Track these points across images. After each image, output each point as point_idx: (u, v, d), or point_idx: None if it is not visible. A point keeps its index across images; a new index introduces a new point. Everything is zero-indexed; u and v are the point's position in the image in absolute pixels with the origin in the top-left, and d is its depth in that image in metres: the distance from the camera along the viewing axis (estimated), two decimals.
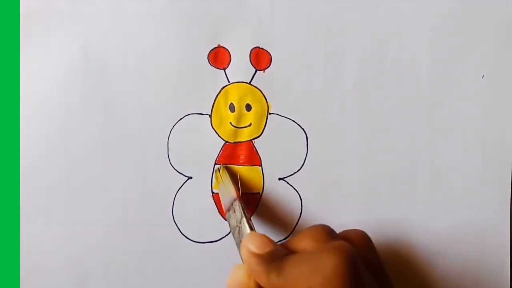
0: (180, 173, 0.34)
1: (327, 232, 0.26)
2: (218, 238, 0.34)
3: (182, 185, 0.34)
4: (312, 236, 0.26)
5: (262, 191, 0.34)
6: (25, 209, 0.34)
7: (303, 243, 0.26)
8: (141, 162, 0.34)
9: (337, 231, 0.28)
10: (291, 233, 0.34)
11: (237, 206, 0.30)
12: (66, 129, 0.33)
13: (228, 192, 0.31)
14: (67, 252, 0.34)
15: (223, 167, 0.33)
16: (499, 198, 0.34)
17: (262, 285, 0.25)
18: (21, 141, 0.33)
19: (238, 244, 0.28)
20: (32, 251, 0.34)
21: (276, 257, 0.25)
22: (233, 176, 0.33)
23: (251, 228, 0.28)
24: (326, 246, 0.24)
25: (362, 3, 0.33)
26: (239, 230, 0.29)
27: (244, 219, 0.29)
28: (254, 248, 0.26)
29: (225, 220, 0.34)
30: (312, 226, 0.27)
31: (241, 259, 0.27)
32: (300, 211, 0.34)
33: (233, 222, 0.30)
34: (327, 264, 0.23)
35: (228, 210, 0.31)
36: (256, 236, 0.26)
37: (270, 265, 0.24)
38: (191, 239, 0.34)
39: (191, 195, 0.34)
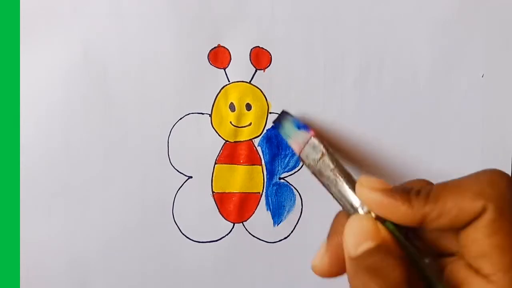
0: (180, 173, 0.34)
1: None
2: (218, 238, 0.34)
3: (182, 184, 0.34)
4: (423, 182, 0.25)
5: (262, 191, 0.34)
6: (25, 209, 0.34)
7: (417, 185, 0.25)
8: (141, 162, 0.34)
9: None
10: (291, 233, 0.34)
11: (316, 144, 0.29)
12: (66, 129, 0.33)
13: (298, 133, 0.31)
14: (67, 252, 0.34)
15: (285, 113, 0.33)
16: None
17: (397, 219, 0.23)
18: (21, 141, 0.33)
19: (327, 179, 0.27)
20: (32, 251, 0.34)
21: (408, 189, 0.23)
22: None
23: (348, 173, 0.27)
24: (481, 170, 0.23)
25: (362, 3, 0.33)
26: (332, 171, 0.27)
27: (334, 164, 0.28)
28: (378, 185, 0.24)
29: (226, 219, 0.34)
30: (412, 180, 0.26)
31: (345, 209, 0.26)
32: (300, 211, 0.34)
33: (312, 157, 0.29)
34: (501, 180, 0.22)
35: (301, 150, 0.30)
36: (373, 177, 0.25)
37: (409, 195, 0.23)
38: (191, 239, 0.34)
39: (191, 195, 0.34)
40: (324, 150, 0.29)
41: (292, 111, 0.33)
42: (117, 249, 0.34)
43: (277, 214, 0.34)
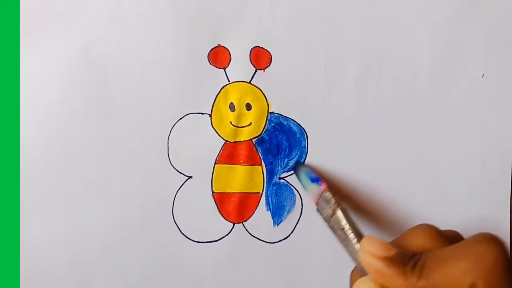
0: (180, 173, 0.34)
1: (436, 229, 0.26)
2: (218, 238, 0.34)
3: (182, 184, 0.34)
4: (424, 234, 0.26)
5: (262, 191, 0.34)
6: (25, 209, 0.34)
7: (416, 241, 0.25)
8: (141, 162, 0.34)
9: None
10: (291, 233, 0.34)
11: (328, 198, 0.29)
12: (66, 129, 0.33)
13: (312, 186, 0.31)
14: (67, 252, 0.34)
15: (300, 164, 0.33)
16: (499, 198, 0.34)
17: None
18: (21, 141, 0.33)
19: (341, 238, 0.28)
20: (32, 251, 0.34)
21: (407, 258, 0.24)
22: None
23: (358, 232, 0.27)
24: (472, 238, 0.23)
25: (362, 3, 0.33)
26: (342, 230, 0.28)
27: (344, 223, 0.28)
28: (379, 252, 0.24)
29: (226, 219, 0.34)
30: (417, 226, 0.27)
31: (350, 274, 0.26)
32: (300, 211, 0.34)
33: (326, 212, 0.29)
34: (488, 255, 0.22)
35: (317, 202, 0.30)
36: (376, 239, 0.25)
37: (406, 267, 0.23)
38: (191, 239, 0.34)
39: (191, 195, 0.34)
40: (335, 206, 0.29)
41: (292, 111, 0.33)
42: (117, 249, 0.34)
43: (277, 214, 0.34)
